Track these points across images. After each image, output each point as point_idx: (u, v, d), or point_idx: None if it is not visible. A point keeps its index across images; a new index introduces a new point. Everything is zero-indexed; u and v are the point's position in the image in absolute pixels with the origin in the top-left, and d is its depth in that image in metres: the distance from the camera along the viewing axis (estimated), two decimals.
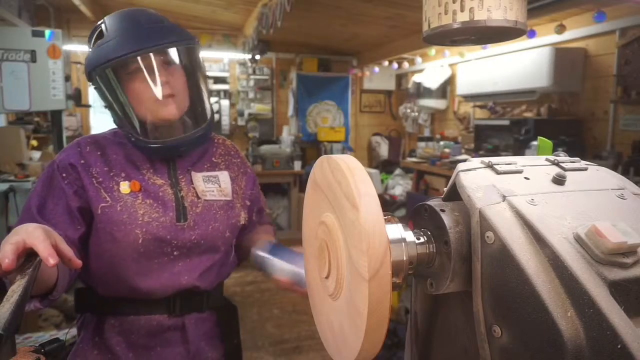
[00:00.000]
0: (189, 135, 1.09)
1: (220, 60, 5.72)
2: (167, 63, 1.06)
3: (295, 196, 5.32)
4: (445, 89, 5.18)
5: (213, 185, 1.16)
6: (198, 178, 1.15)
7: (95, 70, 1.04)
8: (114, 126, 1.15)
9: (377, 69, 5.70)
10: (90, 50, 1.08)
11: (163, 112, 1.05)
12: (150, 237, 1.05)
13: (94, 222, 1.05)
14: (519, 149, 3.49)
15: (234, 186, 1.21)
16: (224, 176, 1.19)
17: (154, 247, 1.05)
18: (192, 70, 1.11)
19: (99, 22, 1.09)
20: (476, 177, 0.47)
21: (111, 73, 1.03)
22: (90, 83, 1.08)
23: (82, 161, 1.06)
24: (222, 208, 1.15)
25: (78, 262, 0.77)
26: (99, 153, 1.09)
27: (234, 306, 1.27)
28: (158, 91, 1.03)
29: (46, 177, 1.06)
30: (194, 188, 1.13)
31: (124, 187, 1.06)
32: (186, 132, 1.09)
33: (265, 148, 5.31)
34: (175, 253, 1.08)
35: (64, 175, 1.05)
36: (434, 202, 0.50)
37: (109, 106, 1.09)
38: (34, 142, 4.33)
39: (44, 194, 1.04)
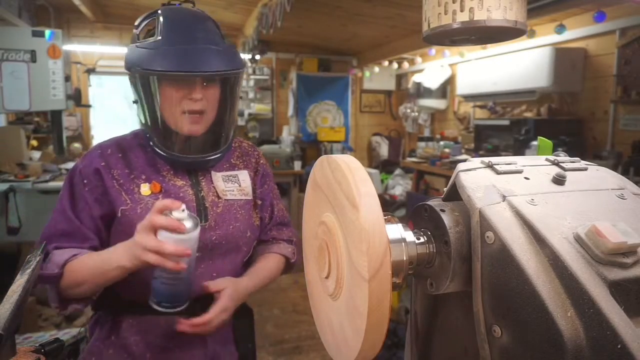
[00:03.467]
0: (206, 157, 1.10)
1: None
2: (208, 82, 1.06)
3: (295, 196, 5.32)
4: (445, 89, 5.18)
5: (233, 185, 1.16)
6: (218, 178, 1.14)
7: (136, 69, 1.03)
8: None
9: (377, 68, 5.70)
10: (139, 42, 1.06)
11: (189, 127, 1.05)
12: None
13: (115, 225, 1.06)
14: (519, 149, 3.49)
15: (252, 185, 1.21)
16: (243, 175, 1.19)
17: None
18: (230, 94, 1.11)
19: (155, 13, 1.08)
20: (476, 177, 0.47)
21: (153, 79, 1.03)
22: (128, 73, 1.08)
23: (103, 163, 1.07)
24: (242, 207, 1.15)
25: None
26: (120, 155, 1.10)
27: (250, 309, 1.24)
28: (191, 106, 1.04)
29: (69, 185, 1.07)
30: (214, 188, 1.12)
31: (145, 188, 1.07)
32: (205, 151, 1.10)
33: (265, 148, 5.30)
34: (197, 254, 1.02)
35: (85, 181, 1.06)
36: (434, 202, 0.50)
37: (139, 104, 1.09)
38: (34, 142, 4.33)
39: (71, 200, 1.06)
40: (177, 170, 1.12)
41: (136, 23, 1.12)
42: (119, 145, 1.12)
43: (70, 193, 1.07)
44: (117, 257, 0.93)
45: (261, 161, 1.27)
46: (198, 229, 0.92)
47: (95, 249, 1.04)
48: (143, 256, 0.88)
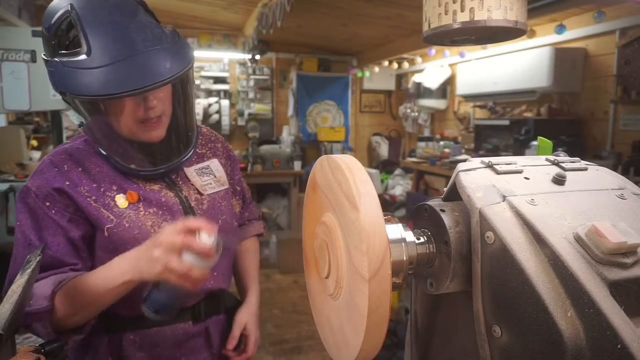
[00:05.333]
0: (180, 160, 1.03)
1: (220, 60, 5.72)
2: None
3: (295, 196, 5.32)
4: (445, 89, 5.18)
5: (209, 177, 1.10)
6: (192, 173, 1.08)
7: (77, 97, 0.87)
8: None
9: (377, 68, 5.70)
10: (62, 56, 0.87)
11: (150, 134, 0.95)
12: None
13: (101, 243, 0.96)
14: (519, 149, 3.49)
15: (225, 172, 1.16)
16: (215, 165, 1.14)
17: None
18: (186, 88, 0.99)
19: (66, 11, 0.86)
20: (476, 177, 0.47)
21: (100, 103, 0.89)
22: (63, 98, 0.91)
23: (68, 182, 0.94)
24: (223, 198, 1.12)
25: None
26: (80, 169, 0.96)
27: (238, 301, 1.23)
28: (147, 115, 0.92)
29: (27, 211, 0.92)
30: (192, 185, 1.07)
31: (121, 200, 0.96)
32: (176, 154, 1.02)
33: (265, 148, 5.30)
34: None
35: (48, 204, 0.92)
36: (434, 202, 0.50)
37: (86, 126, 0.94)
38: (34, 142, 4.32)
39: (35, 226, 0.92)
40: None
41: (46, 23, 0.89)
42: (72, 156, 0.97)
43: (33, 220, 0.92)
44: (122, 271, 0.84)
45: (227, 146, 1.23)
46: (220, 253, 0.85)
47: (79, 271, 0.93)
48: (164, 275, 0.80)
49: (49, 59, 0.90)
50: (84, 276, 0.88)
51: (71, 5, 0.86)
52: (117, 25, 0.86)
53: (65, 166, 0.96)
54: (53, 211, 0.92)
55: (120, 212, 0.95)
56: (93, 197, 0.95)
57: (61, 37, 0.88)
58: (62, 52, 0.87)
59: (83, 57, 0.84)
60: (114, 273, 0.85)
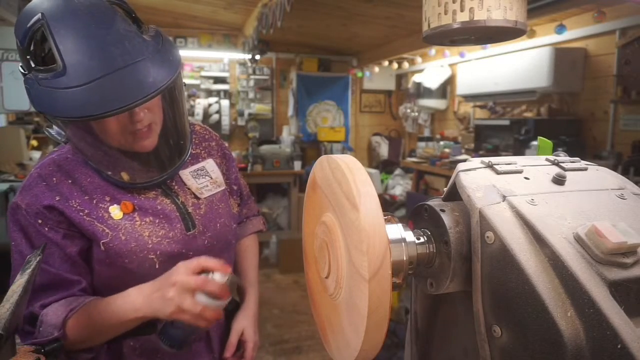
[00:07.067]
0: (177, 167, 0.99)
1: (220, 60, 5.72)
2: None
3: (295, 196, 5.32)
4: (445, 89, 5.18)
5: (204, 179, 1.07)
6: (187, 176, 1.05)
7: (58, 118, 0.81)
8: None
9: (377, 68, 5.70)
10: (37, 72, 0.80)
11: (141, 144, 0.90)
12: (166, 257, 0.95)
13: (97, 257, 0.93)
14: (519, 149, 3.49)
15: (221, 171, 1.13)
16: (210, 165, 1.10)
17: (171, 266, 0.90)
18: (175, 94, 0.93)
19: (37, 22, 0.78)
20: (476, 177, 0.47)
21: (83, 124, 0.83)
22: (44, 116, 0.85)
23: (58, 197, 0.89)
24: (220, 200, 1.09)
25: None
26: (69, 181, 0.92)
27: (237, 303, 1.21)
28: (135, 127, 0.87)
29: (19, 230, 0.89)
30: (188, 189, 1.03)
31: (115, 211, 0.93)
32: (171, 162, 0.98)
33: (265, 148, 5.30)
34: None
35: (40, 221, 0.88)
36: (434, 202, 0.50)
37: (72, 142, 0.90)
38: (34, 142, 4.33)
39: (31, 245, 0.89)
40: None
41: (18, 34, 0.82)
42: (61, 168, 0.93)
43: (27, 239, 0.89)
44: (135, 306, 0.84)
45: (222, 143, 1.19)
46: (234, 292, 0.90)
47: (85, 290, 0.92)
48: (177, 315, 0.82)
49: (26, 73, 0.82)
50: (97, 304, 0.87)
51: (42, 14, 0.78)
52: (92, 39, 0.78)
53: (54, 179, 0.91)
54: (46, 228, 0.89)
55: (115, 224, 0.92)
56: (86, 211, 0.91)
57: (35, 50, 0.81)
58: (38, 67, 0.80)
59: (58, 75, 0.77)
60: (128, 307, 0.85)
